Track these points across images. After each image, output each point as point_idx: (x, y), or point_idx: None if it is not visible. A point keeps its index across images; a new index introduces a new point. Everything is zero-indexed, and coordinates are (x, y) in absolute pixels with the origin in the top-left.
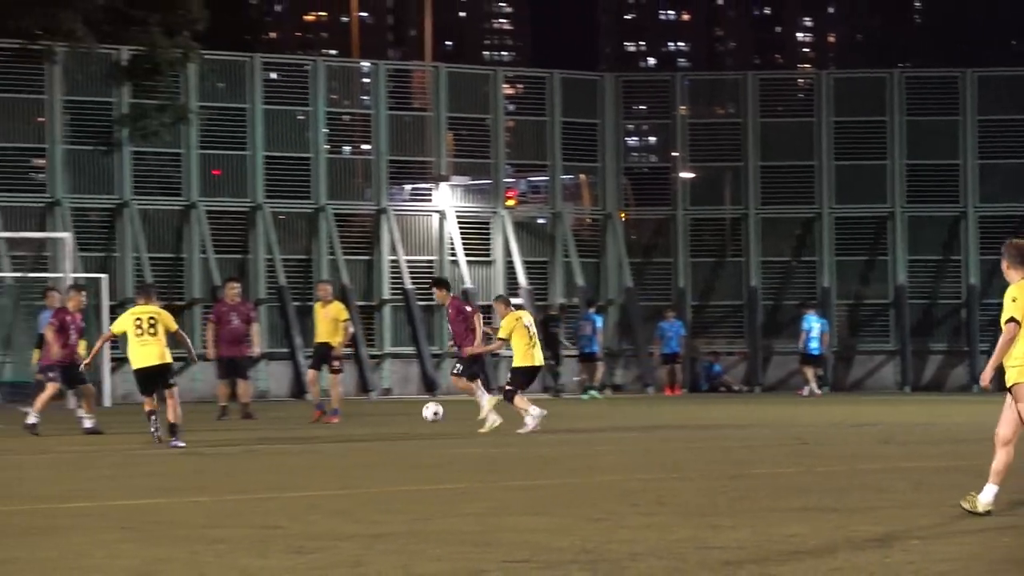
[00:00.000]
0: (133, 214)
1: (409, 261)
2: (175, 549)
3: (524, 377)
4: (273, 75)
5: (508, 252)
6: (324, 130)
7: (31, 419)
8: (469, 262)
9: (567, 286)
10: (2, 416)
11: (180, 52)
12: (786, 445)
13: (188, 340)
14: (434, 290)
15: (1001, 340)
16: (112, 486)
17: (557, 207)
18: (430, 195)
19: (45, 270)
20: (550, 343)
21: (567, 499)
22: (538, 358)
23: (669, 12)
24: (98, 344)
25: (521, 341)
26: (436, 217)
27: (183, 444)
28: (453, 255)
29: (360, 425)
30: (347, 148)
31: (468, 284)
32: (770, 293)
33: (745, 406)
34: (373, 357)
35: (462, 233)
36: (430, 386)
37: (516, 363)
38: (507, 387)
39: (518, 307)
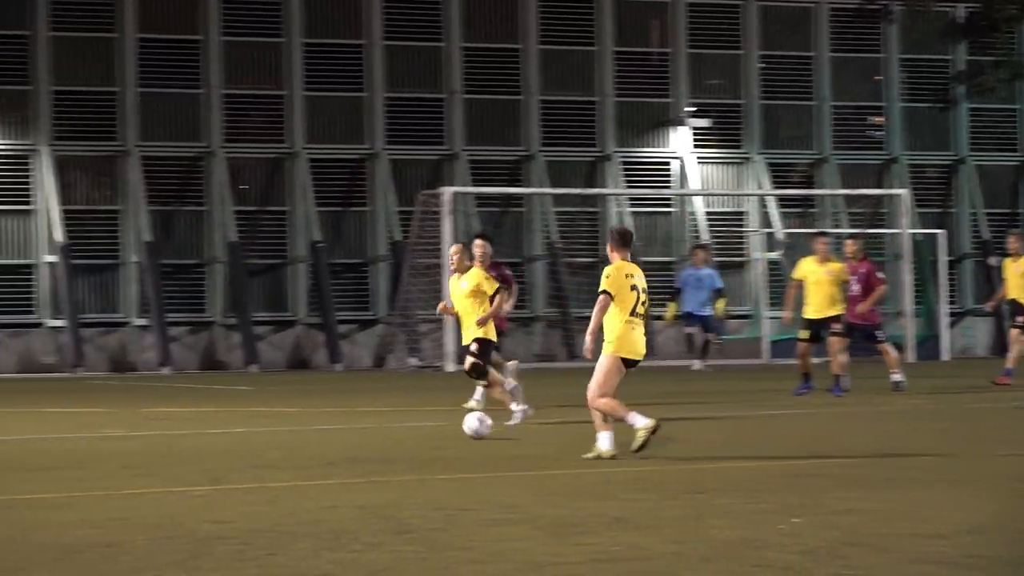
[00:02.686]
0: (970, 171)
1: None
2: (1006, 506)
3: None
4: None
5: None
6: None
7: (895, 376)
8: None
9: None
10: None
11: (1016, 8)
12: None
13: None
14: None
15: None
16: (946, 440)
17: None
18: None
19: (883, 227)
20: None
21: None
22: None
23: None
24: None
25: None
26: None
27: (842, 392)
28: None
29: None
30: None
31: None
32: None
33: None
34: None
35: None
36: None
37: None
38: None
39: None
